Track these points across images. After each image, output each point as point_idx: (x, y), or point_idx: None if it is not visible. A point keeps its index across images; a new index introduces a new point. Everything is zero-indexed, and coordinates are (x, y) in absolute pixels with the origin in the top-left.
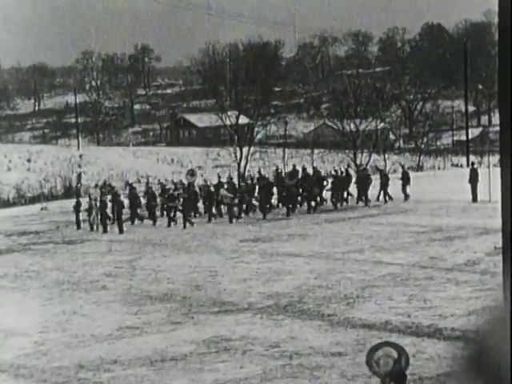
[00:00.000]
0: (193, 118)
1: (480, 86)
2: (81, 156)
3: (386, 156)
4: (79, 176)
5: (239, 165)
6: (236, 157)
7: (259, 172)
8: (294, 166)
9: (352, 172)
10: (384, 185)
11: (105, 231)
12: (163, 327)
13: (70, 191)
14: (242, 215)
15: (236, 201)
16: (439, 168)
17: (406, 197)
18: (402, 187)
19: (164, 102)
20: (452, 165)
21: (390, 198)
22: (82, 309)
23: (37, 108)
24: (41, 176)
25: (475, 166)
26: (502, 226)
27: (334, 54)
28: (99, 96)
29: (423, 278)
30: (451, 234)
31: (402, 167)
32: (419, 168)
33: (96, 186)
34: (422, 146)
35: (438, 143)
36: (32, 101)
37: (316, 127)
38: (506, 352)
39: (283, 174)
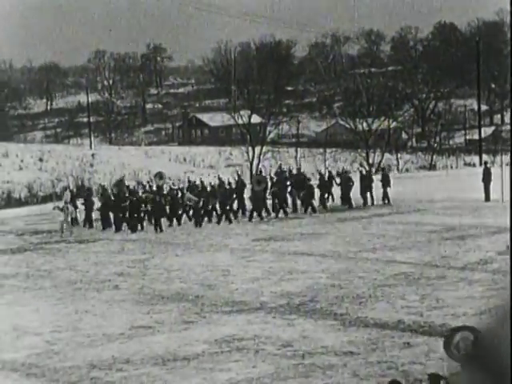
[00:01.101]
0: (205, 117)
1: (493, 85)
2: (93, 155)
3: (399, 155)
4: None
5: (251, 164)
6: (248, 156)
7: (238, 175)
8: (280, 165)
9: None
10: (366, 187)
11: (117, 230)
12: (175, 326)
13: (83, 190)
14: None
15: (200, 204)
16: (452, 167)
17: (387, 201)
18: (382, 190)
19: (176, 101)
20: (465, 164)
21: (365, 201)
22: (94, 308)
23: (49, 107)
24: (53, 175)
25: (488, 165)
26: None
27: (347, 53)
28: (111, 95)
29: (436, 277)
30: (464, 233)
31: (383, 170)
32: (432, 167)
33: (66, 189)
34: (435, 145)
35: (451, 142)
36: (44, 100)
37: (328, 126)
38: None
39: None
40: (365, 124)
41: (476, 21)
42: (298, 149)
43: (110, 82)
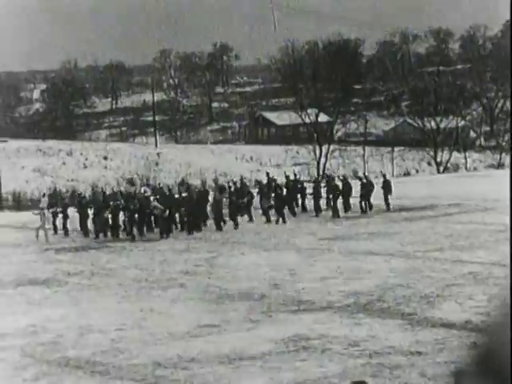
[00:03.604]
0: (272, 116)
1: None
2: (158, 154)
3: (467, 154)
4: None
5: (318, 163)
6: (315, 155)
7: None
8: (272, 176)
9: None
10: (368, 192)
11: (186, 230)
12: (242, 325)
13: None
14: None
15: (167, 213)
16: None
17: (388, 206)
18: (383, 196)
19: (243, 99)
20: None
21: (370, 206)
22: (159, 306)
23: (114, 106)
24: (118, 174)
25: None
26: None
27: (415, 51)
28: (177, 94)
29: (504, 276)
30: None
31: (383, 176)
32: (500, 166)
33: (44, 195)
34: (504, 143)
35: None
36: (109, 99)
37: (396, 125)
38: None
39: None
40: (433, 123)
41: None
42: (366, 147)
43: (176, 80)
